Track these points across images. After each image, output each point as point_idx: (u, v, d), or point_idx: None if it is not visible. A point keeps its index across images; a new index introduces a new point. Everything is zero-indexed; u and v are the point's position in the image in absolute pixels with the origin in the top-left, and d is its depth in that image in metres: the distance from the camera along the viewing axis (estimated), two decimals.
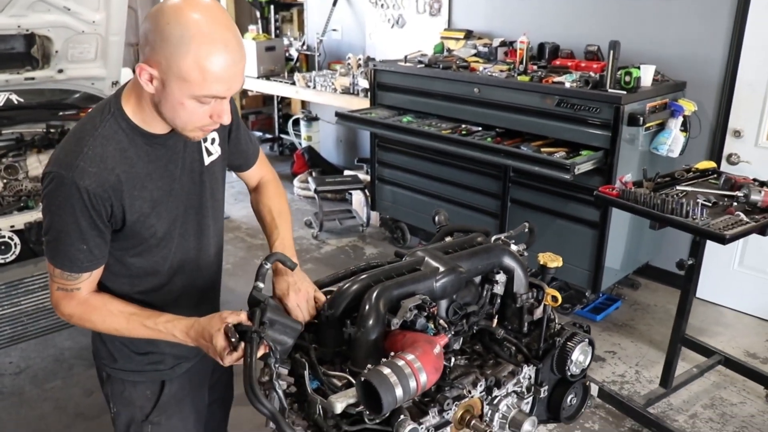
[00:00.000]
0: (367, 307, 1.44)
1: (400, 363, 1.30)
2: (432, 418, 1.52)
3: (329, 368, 1.48)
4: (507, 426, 1.69)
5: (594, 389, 3.26)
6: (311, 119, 7.28)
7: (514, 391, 1.73)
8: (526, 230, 1.89)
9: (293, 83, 6.36)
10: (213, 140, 1.63)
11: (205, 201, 1.62)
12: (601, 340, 3.97)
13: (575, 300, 4.18)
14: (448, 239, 1.84)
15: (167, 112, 1.38)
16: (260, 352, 1.37)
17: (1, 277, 3.05)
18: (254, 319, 1.39)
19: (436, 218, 1.90)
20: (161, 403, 1.73)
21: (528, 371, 1.72)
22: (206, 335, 1.41)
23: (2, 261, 3.07)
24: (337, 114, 4.91)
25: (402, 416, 1.36)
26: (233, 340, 1.36)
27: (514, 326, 1.79)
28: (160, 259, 1.58)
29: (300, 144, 7.41)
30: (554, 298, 1.65)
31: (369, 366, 1.32)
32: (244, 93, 8.31)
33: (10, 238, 3.06)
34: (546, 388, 1.75)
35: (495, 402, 1.69)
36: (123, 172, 1.42)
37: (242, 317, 1.41)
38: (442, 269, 1.57)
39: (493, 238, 1.81)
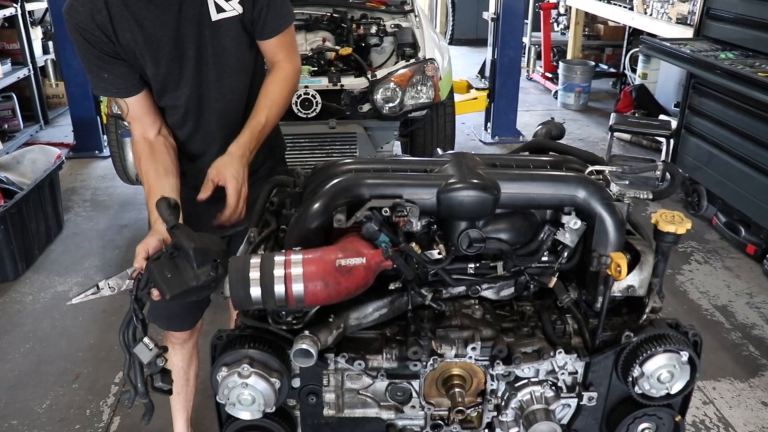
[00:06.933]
0: (319, 191, 1.14)
1: (278, 259, 0.99)
2: (384, 360, 1.18)
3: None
4: (521, 420, 1.24)
5: None
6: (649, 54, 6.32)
7: (552, 382, 1.25)
8: (657, 173, 1.27)
9: (631, 7, 5.54)
10: None
11: (205, 54, 1.58)
12: None
13: None
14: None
15: None
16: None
17: (302, 129, 3.29)
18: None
19: (537, 129, 1.41)
20: None
21: (570, 361, 1.21)
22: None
23: (304, 115, 3.28)
24: (643, 41, 4.12)
25: (306, 331, 1.06)
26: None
27: (589, 298, 1.26)
28: (171, 101, 1.63)
29: (633, 81, 6.53)
30: (618, 268, 1.09)
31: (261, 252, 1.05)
32: (605, 23, 7.49)
33: (312, 96, 3.22)
34: (595, 395, 1.22)
35: (517, 384, 1.24)
36: (113, 12, 1.48)
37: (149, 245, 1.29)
38: (456, 179, 1.14)
39: (589, 169, 1.26)
